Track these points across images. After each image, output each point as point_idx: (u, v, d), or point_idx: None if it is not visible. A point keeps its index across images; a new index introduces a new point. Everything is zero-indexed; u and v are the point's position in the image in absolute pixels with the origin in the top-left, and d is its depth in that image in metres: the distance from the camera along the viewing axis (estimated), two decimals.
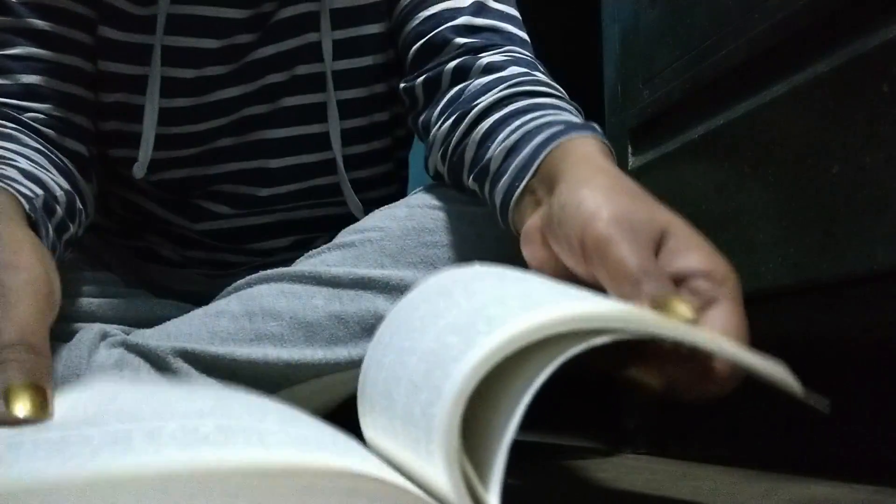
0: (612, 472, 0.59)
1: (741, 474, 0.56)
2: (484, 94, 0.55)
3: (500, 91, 0.54)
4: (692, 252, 0.34)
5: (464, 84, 0.58)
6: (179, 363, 0.55)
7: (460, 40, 0.60)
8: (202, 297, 0.64)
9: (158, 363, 0.55)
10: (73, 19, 0.63)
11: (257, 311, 0.56)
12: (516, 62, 0.57)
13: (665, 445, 0.76)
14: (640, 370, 0.32)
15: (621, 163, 0.80)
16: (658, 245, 0.34)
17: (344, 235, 0.60)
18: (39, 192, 0.54)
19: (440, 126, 0.58)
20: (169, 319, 0.59)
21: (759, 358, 0.28)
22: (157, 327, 0.59)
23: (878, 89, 0.48)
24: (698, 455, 0.69)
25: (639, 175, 0.78)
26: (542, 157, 0.45)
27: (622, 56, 0.84)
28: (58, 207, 0.54)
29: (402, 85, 0.64)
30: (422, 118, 0.62)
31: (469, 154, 0.54)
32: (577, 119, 0.51)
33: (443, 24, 0.61)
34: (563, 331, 0.25)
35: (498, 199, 0.49)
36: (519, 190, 0.46)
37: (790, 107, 0.56)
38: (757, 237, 0.59)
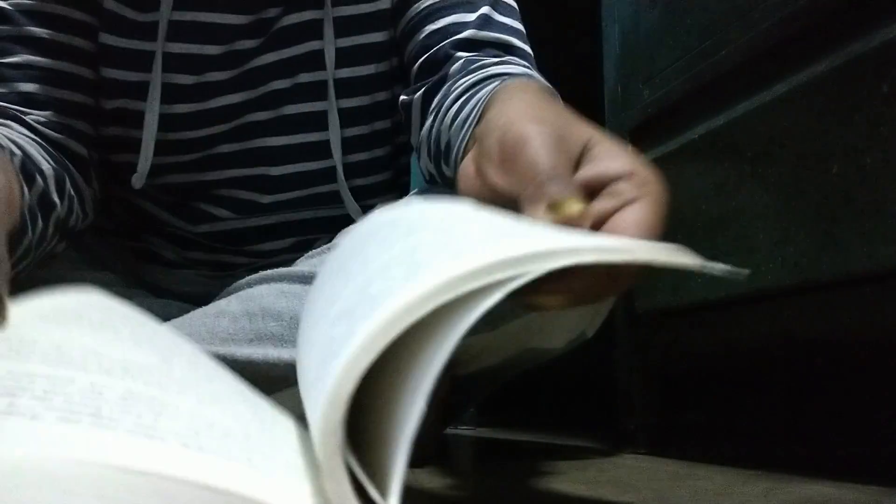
0: (612, 472, 0.59)
1: (741, 474, 0.56)
2: (458, 88, 0.55)
3: (470, 79, 0.54)
4: (616, 157, 0.34)
5: (447, 85, 0.58)
6: None
7: (461, 54, 0.60)
8: (202, 298, 0.64)
9: None
10: (72, 26, 0.63)
11: (257, 311, 0.56)
12: (506, 63, 0.57)
13: (665, 445, 0.76)
14: (543, 296, 0.30)
15: None
16: (580, 157, 0.34)
17: (343, 236, 0.60)
18: (18, 152, 0.54)
19: (425, 126, 0.58)
20: (169, 320, 0.59)
21: (663, 250, 0.26)
22: None
23: (878, 89, 0.48)
24: (698, 455, 0.69)
25: None
26: (481, 109, 0.46)
27: (622, 56, 0.84)
28: (39, 178, 0.54)
29: (402, 98, 0.64)
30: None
31: (443, 141, 0.54)
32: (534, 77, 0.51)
33: (448, 39, 0.61)
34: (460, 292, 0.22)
35: (453, 170, 0.49)
36: (463, 145, 0.47)
37: (790, 107, 0.56)
38: (757, 237, 0.59)
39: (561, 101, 0.48)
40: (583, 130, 0.35)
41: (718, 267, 0.26)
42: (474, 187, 0.39)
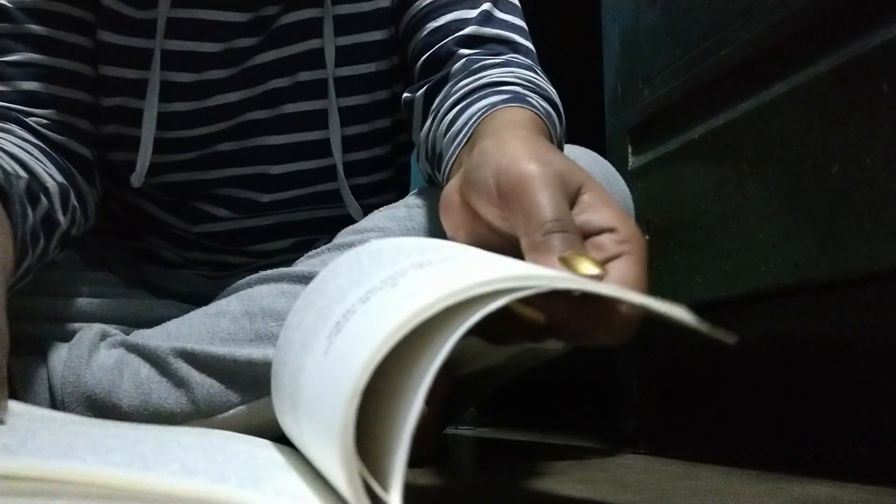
0: (612, 472, 0.59)
1: (741, 474, 0.56)
2: (457, 93, 0.55)
3: (468, 85, 0.54)
4: (603, 210, 0.34)
5: (447, 86, 0.58)
6: (179, 363, 0.55)
7: (464, 52, 0.60)
8: (202, 298, 0.64)
9: (158, 363, 0.55)
10: (72, 24, 0.63)
11: (257, 311, 0.56)
12: (508, 64, 0.57)
13: (665, 445, 0.76)
14: (524, 306, 0.31)
15: (621, 163, 0.80)
16: (573, 199, 0.35)
17: (344, 236, 0.60)
18: (23, 174, 0.54)
19: (424, 127, 0.58)
20: (169, 319, 0.59)
21: (659, 301, 0.27)
22: (156, 327, 0.59)
23: (878, 89, 0.48)
24: (698, 455, 0.69)
25: (639, 175, 0.78)
26: (471, 129, 0.46)
27: (622, 56, 0.84)
28: (43, 198, 0.54)
29: (405, 95, 0.64)
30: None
31: (437, 149, 0.54)
32: (529, 97, 0.50)
33: (450, 36, 0.61)
34: (458, 300, 0.23)
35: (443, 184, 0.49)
36: (450, 164, 0.47)
37: (790, 107, 0.56)
38: (757, 237, 0.59)
39: (554, 131, 0.48)
40: (579, 175, 0.35)
41: (710, 329, 0.27)
42: (459, 222, 0.39)
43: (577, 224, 0.33)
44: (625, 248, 0.33)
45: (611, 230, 0.33)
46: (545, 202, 0.33)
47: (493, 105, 0.47)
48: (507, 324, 0.32)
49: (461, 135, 0.48)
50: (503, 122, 0.44)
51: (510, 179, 0.34)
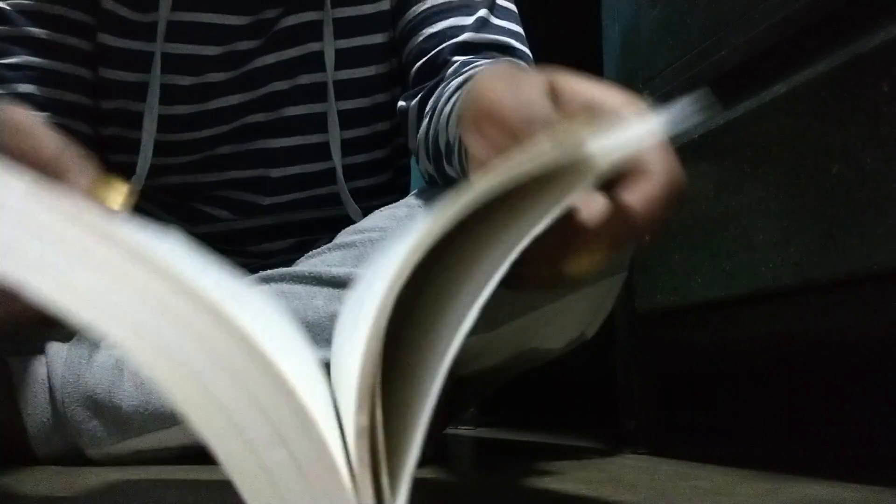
0: (612, 472, 0.59)
1: (741, 474, 0.56)
2: (451, 87, 0.55)
3: (464, 77, 0.54)
4: (585, 89, 0.33)
5: (441, 87, 0.58)
6: None
7: (458, 58, 0.60)
8: None
9: None
10: (71, 27, 0.63)
11: None
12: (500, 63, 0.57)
13: (665, 445, 0.76)
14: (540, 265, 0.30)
15: None
16: (553, 100, 0.33)
17: (345, 235, 0.60)
18: None
19: (421, 128, 0.58)
20: None
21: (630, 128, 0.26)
22: None
23: (878, 89, 0.48)
24: (698, 455, 0.69)
25: None
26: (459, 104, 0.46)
27: (622, 56, 0.84)
28: None
29: (399, 103, 0.64)
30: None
31: (442, 141, 0.54)
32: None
33: (445, 42, 0.61)
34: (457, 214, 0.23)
35: (457, 169, 0.50)
36: (455, 141, 0.47)
37: (790, 107, 0.56)
38: (757, 237, 0.59)
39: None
40: (544, 73, 0.34)
41: (692, 104, 0.26)
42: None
43: (581, 104, 0.32)
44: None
45: (602, 103, 0.32)
46: (519, 104, 0.31)
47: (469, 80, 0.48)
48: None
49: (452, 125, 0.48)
50: (478, 77, 0.44)
51: (482, 114, 0.33)
